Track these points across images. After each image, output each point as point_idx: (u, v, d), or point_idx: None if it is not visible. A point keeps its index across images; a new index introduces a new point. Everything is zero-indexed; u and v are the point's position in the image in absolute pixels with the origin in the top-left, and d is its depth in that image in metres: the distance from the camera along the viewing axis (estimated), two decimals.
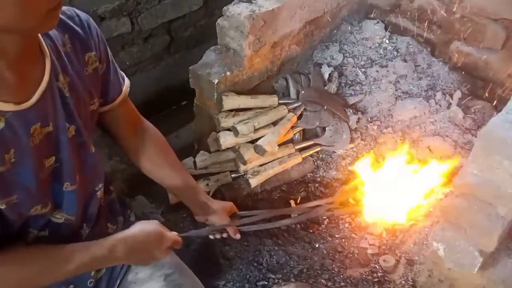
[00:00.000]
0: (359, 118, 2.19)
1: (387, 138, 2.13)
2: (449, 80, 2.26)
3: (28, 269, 1.04)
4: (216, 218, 1.55)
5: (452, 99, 2.16)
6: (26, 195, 1.00)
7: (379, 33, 2.36)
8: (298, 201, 2.04)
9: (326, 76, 2.28)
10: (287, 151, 2.11)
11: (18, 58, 0.93)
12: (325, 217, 1.97)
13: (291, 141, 2.16)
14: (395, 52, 2.32)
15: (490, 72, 2.18)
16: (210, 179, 2.02)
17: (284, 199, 2.07)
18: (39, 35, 0.99)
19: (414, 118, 2.15)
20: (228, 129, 2.03)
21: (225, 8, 1.99)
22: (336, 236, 1.91)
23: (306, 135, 2.22)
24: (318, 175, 2.16)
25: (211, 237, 1.57)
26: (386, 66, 2.28)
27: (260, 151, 1.97)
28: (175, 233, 1.34)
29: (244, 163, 2.01)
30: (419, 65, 2.30)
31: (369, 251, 1.79)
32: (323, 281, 1.72)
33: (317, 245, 1.88)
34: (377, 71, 2.27)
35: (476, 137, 1.88)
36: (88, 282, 1.26)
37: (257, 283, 1.73)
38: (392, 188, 1.87)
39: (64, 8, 1.09)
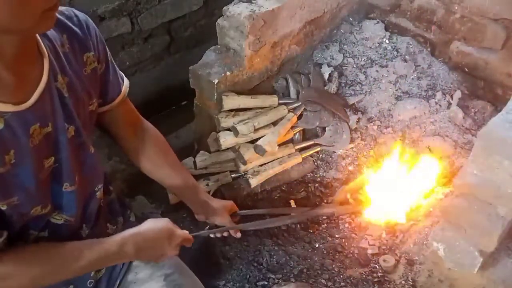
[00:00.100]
0: (359, 118, 2.19)
1: (387, 138, 2.13)
2: (449, 80, 2.26)
3: (39, 267, 1.05)
4: (217, 217, 1.56)
5: (452, 99, 2.16)
6: (26, 196, 1.00)
7: (379, 33, 2.36)
8: (298, 201, 2.04)
9: (326, 76, 2.27)
10: (287, 151, 2.11)
11: (15, 59, 0.93)
12: (325, 217, 1.97)
13: (291, 141, 2.16)
14: (395, 52, 2.32)
15: (490, 72, 2.18)
16: (210, 179, 2.02)
17: (284, 199, 2.07)
18: (37, 35, 0.99)
19: (414, 118, 2.15)
20: (228, 129, 2.03)
21: (225, 8, 1.99)
22: (336, 236, 1.91)
23: (306, 135, 2.22)
24: (318, 175, 2.16)
25: (211, 235, 1.58)
26: (386, 66, 2.28)
27: (260, 151, 1.97)
28: (186, 231, 1.34)
29: (244, 163, 2.01)
30: (419, 65, 2.30)
31: (369, 251, 1.79)
32: (323, 281, 1.72)
33: (317, 245, 1.87)
34: (377, 71, 2.27)
35: (476, 137, 1.88)
36: (88, 282, 1.26)
37: (257, 283, 1.73)
38: (391, 188, 1.87)
39: (62, 8, 1.09)
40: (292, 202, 2.03)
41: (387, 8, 2.42)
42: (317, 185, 2.13)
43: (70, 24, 1.10)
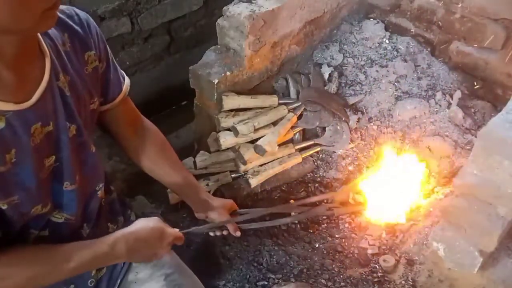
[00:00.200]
0: (359, 118, 2.19)
1: (387, 138, 2.13)
2: (449, 80, 2.26)
3: (32, 269, 1.04)
4: (217, 216, 1.56)
5: (452, 99, 2.16)
6: (26, 195, 1.00)
7: (379, 33, 2.36)
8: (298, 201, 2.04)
9: (326, 76, 2.28)
10: (287, 151, 2.11)
11: (16, 58, 0.92)
12: (325, 217, 1.97)
13: (291, 141, 2.16)
14: (395, 52, 2.32)
15: (490, 72, 2.18)
16: (210, 179, 2.02)
17: (284, 199, 2.07)
18: (39, 34, 0.99)
19: (414, 118, 2.15)
20: (228, 129, 2.03)
21: (225, 8, 1.99)
22: (336, 236, 1.91)
23: (306, 135, 2.22)
24: (318, 175, 2.16)
25: (211, 234, 1.57)
26: (386, 66, 2.28)
27: (260, 151, 1.97)
28: (176, 229, 1.34)
29: (244, 163, 2.01)
30: (419, 65, 2.30)
31: (369, 251, 1.79)
32: (323, 281, 1.72)
33: (317, 245, 1.88)
34: (377, 71, 2.27)
35: (476, 137, 1.88)
36: (89, 282, 1.26)
37: (257, 283, 1.73)
38: (390, 188, 1.87)
39: (63, 7, 1.09)
40: (292, 202, 2.03)
41: (387, 8, 2.42)
42: (317, 185, 2.13)
43: (71, 23, 1.10)
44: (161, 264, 1.35)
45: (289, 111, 2.12)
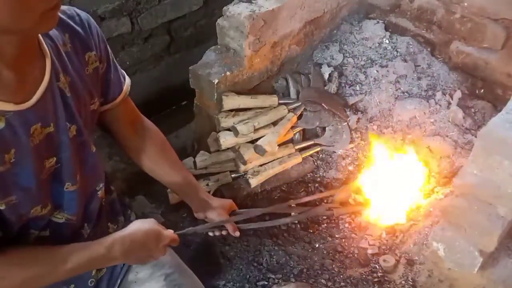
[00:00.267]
0: (359, 118, 2.19)
1: (387, 138, 2.13)
2: (449, 80, 2.26)
3: (29, 269, 1.04)
4: (216, 216, 1.56)
5: (452, 99, 2.16)
6: (25, 196, 1.00)
7: (379, 33, 2.36)
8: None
9: (326, 76, 2.27)
10: (287, 151, 2.11)
11: (17, 58, 0.92)
12: (325, 217, 1.97)
13: (291, 141, 2.16)
14: (395, 52, 2.32)
15: (490, 72, 2.18)
16: (210, 179, 2.02)
17: (284, 199, 2.06)
18: (39, 35, 0.99)
19: (414, 118, 2.14)
20: (228, 129, 2.03)
21: (225, 8, 1.99)
22: (336, 236, 1.91)
23: (306, 135, 2.22)
24: (318, 175, 2.16)
25: (210, 234, 1.57)
26: (386, 66, 2.28)
27: (260, 151, 1.97)
28: (171, 231, 1.34)
29: (244, 163, 2.01)
30: (419, 65, 2.29)
31: (369, 251, 1.79)
32: (323, 281, 1.72)
33: (317, 245, 1.88)
34: (377, 71, 2.27)
35: (476, 137, 1.88)
36: (89, 281, 1.26)
37: (257, 283, 1.73)
38: (390, 188, 1.88)
39: (64, 7, 1.09)
40: (292, 202, 2.03)
41: (387, 8, 2.42)
42: (317, 185, 2.13)
43: (72, 24, 1.10)
44: (161, 264, 1.35)
45: (289, 111, 2.12)
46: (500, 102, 2.14)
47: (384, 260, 1.72)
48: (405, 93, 2.22)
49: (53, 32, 1.04)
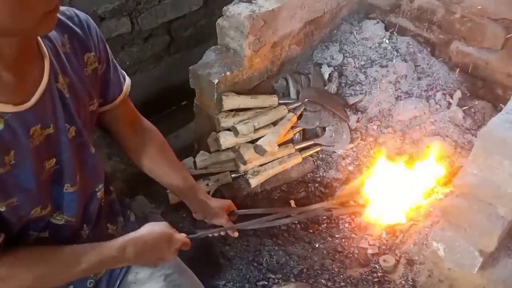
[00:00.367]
0: (359, 118, 2.19)
1: (387, 138, 2.13)
2: (449, 80, 2.26)
3: (40, 269, 1.04)
4: (215, 216, 1.56)
5: (452, 99, 2.16)
6: (25, 197, 1.00)
7: (379, 33, 2.36)
8: (298, 201, 2.04)
9: (326, 76, 2.27)
10: (287, 151, 2.11)
11: (15, 59, 0.92)
12: (325, 217, 1.97)
13: (291, 141, 2.16)
14: (395, 52, 2.32)
15: (490, 72, 2.18)
16: (210, 179, 2.02)
17: (284, 199, 2.07)
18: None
19: (414, 118, 2.15)
20: (228, 129, 2.03)
21: (225, 8, 1.99)
22: (336, 236, 1.91)
23: (306, 135, 2.22)
24: (318, 175, 2.16)
25: (209, 235, 1.58)
26: (386, 66, 2.28)
27: (260, 151, 1.97)
28: (183, 234, 1.34)
29: (244, 163, 2.01)
30: (419, 65, 2.29)
31: (369, 251, 1.79)
32: (323, 281, 1.72)
33: (317, 245, 1.87)
34: (377, 71, 2.27)
35: (476, 137, 1.88)
36: (88, 282, 1.26)
37: (257, 283, 1.73)
38: (391, 188, 1.88)
39: (63, 8, 1.09)
40: (292, 202, 2.03)
41: (387, 8, 2.41)
42: (317, 185, 2.13)
43: (71, 24, 1.10)
44: (161, 264, 1.35)
45: (289, 111, 2.12)
46: (500, 102, 2.14)
47: (384, 260, 1.72)
48: (405, 93, 2.22)
49: (52, 33, 1.04)
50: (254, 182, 2.02)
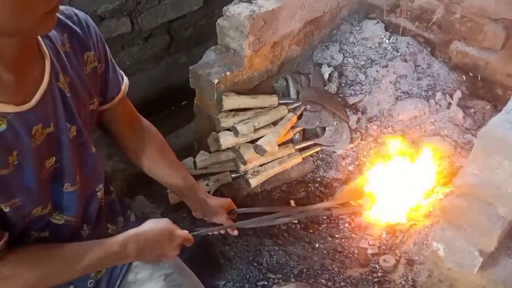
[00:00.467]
0: (359, 118, 2.19)
1: (387, 138, 2.13)
2: (449, 80, 2.26)
3: (42, 268, 1.05)
4: (215, 215, 1.56)
5: (452, 99, 2.16)
6: (27, 197, 1.00)
7: (379, 33, 2.36)
8: (298, 201, 2.04)
9: (326, 76, 2.27)
10: (287, 151, 2.11)
11: (16, 59, 0.92)
12: (325, 217, 1.97)
13: (291, 141, 2.16)
14: (395, 52, 2.32)
15: (490, 72, 2.18)
16: (210, 179, 2.02)
17: (284, 199, 2.07)
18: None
19: (414, 118, 2.14)
20: (228, 129, 2.03)
21: (225, 8, 1.99)
22: (336, 236, 1.91)
23: (306, 135, 2.22)
24: (318, 175, 2.16)
25: (209, 233, 1.58)
26: (386, 66, 2.28)
27: (260, 151, 1.96)
28: (185, 231, 1.34)
29: (244, 163, 2.01)
30: (419, 65, 2.29)
31: (369, 251, 1.79)
32: (323, 281, 1.72)
33: (317, 245, 1.87)
34: (377, 71, 2.27)
35: (476, 137, 1.88)
36: (88, 282, 1.26)
37: (257, 283, 1.73)
38: (391, 188, 1.87)
39: (62, 7, 1.09)
40: (292, 202, 2.03)
41: (387, 8, 2.41)
42: (317, 185, 2.13)
43: (71, 24, 1.10)
44: (161, 264, 1.35)
45: (289, 111, 2.12)
46: (500, 102, 2.14)
47: (384, 260, 1.72)
48: (405, 93, 2.22)
49: (52, 33, 1.04)
50: (254, 182, 2.02)
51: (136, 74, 2.69)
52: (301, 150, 2.15)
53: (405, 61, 2.28)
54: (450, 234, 1.60)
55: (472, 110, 2.16)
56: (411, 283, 1.65)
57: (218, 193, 2.03)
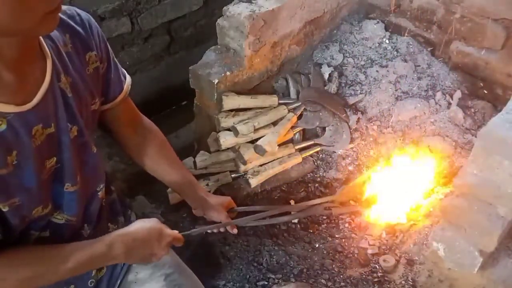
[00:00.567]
0: (359, 118, 2.19)
1: (387, 138, 2.13)
2: (449, 80, 2.26)
3: (28, 269, 1.03)
4: (214, 213, 1.56)
5: (452, 99, 2.16)
6: (27, 197, 1.00)
7: (379, 33, 2.36)
8: (298, 201, 2.04)
9: (326, 76, 2.28)
10: (287, 151, 2.11)
11: (17, 59, 0.92)
12: (325, 217, 1.97)
13: (291, 141, 2.16)
14: (395, 52, 2.32)
15: (490, 72, 2.18)
16: (210, 179, 2.02)
17: (284, 199, 2.07)
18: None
19: (414, 118, 2.15)
20: (228, 129, 2.03)
21: (225, 8, 1.99)
22: (336, 236, 1.91)
23: (306, 135, 2.22)
24: (318, 175, 2.16)
25: (208, 231, 1.58)
26: (386, 66, 2.28)
27: (260, 151, 1.97)
28: (175, 231, 1.34)
29: (244, 163, 2.01)
30: (419, 65, 2.30)
31: (369, 251, 1.79)
32: (323, 281, 1.72)
33: (317, 245, 1.87)
34: (377, 71, 2.27)
35: (476, 137, 1.88)
36: (89, 282, 1.26)
37: (257, 283, 1.73)
38: (391, 188, 1.88)
39: (64, 7, 1.08)
40: (292, 202, 2.03)
41: (387, 8, 2.42)
42: (317, 185, 2.13)
43: (73, 24, 1.09)
44: (161, 264, 1.35)
45: (289, 111, 2.12)
46: (500, 102, 2.14)
47: (384, 260, 1.72)
48: (405, 93, 2.22)
49: (54, 33, 1.04)
50: (254, 182, 2.02)
51: (136, 74, 2.69)
52: (301, 150, 2.15)
53: (405, 61, 2.28)
54: (450, 234, 1.60)
55: (472, 110, 2.16)
56: (411, 283, 1.65)
57: (218, 193, 2.02)
